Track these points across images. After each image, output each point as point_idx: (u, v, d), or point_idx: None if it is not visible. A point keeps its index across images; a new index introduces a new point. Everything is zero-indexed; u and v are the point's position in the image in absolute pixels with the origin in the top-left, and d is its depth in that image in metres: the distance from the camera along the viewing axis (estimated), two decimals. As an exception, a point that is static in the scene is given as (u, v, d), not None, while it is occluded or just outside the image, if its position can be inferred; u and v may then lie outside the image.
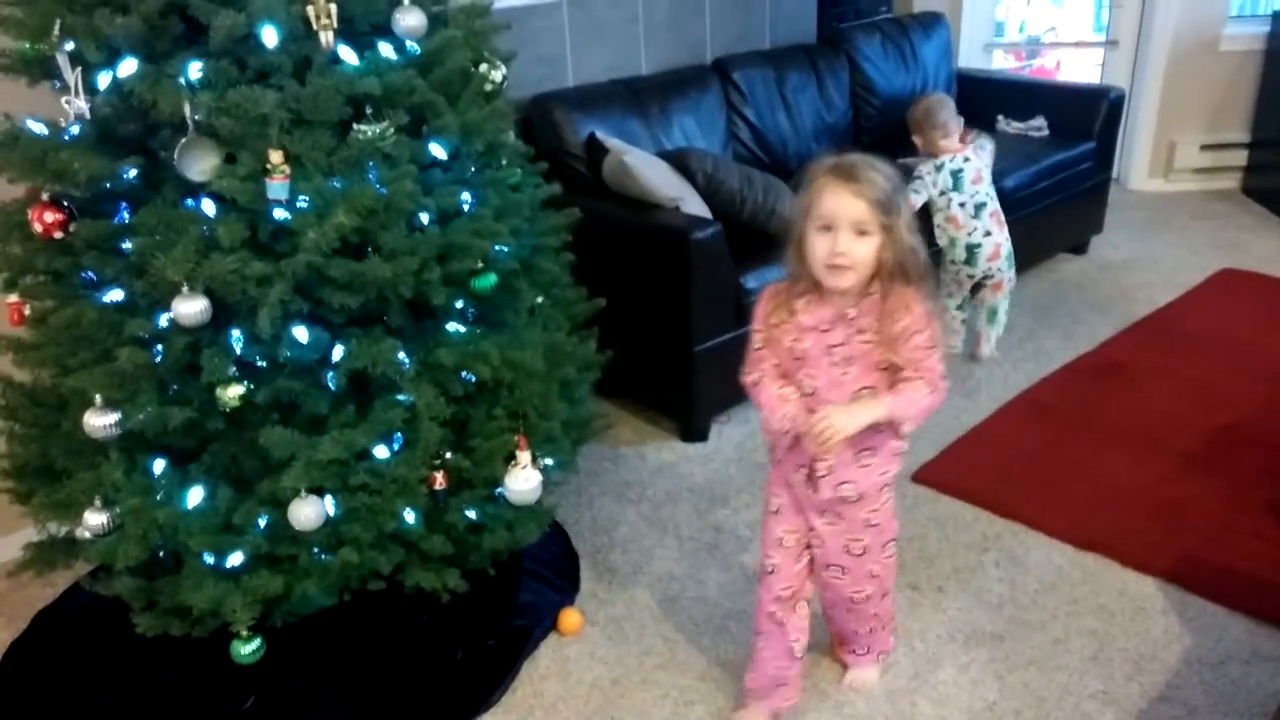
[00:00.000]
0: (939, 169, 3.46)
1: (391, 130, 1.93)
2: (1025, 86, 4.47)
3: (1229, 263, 4.32)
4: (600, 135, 3.32)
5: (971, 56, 5.12)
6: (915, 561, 2.60)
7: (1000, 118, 4.36)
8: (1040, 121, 4.23)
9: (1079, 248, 4.44)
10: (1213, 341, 3.63)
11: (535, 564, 2.55)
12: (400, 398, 2.00)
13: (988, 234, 3.51)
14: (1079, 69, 5.61)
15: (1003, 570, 2.56)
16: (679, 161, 3.25)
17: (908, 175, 3.59)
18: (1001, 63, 5.53)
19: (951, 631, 2.37)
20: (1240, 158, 5.08)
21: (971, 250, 3.51)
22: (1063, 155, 4.06)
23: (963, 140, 3.53)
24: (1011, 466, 2.96)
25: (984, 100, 4.49)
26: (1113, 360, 3.55)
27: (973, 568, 2.57)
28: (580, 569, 2.60)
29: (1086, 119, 4.22)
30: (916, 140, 3.55)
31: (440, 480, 2.05)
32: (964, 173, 3.47)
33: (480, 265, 2.04)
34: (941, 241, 3.52)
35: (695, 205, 3.15)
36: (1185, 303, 3.97)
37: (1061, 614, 2.40)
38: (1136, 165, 5.17)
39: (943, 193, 3.47)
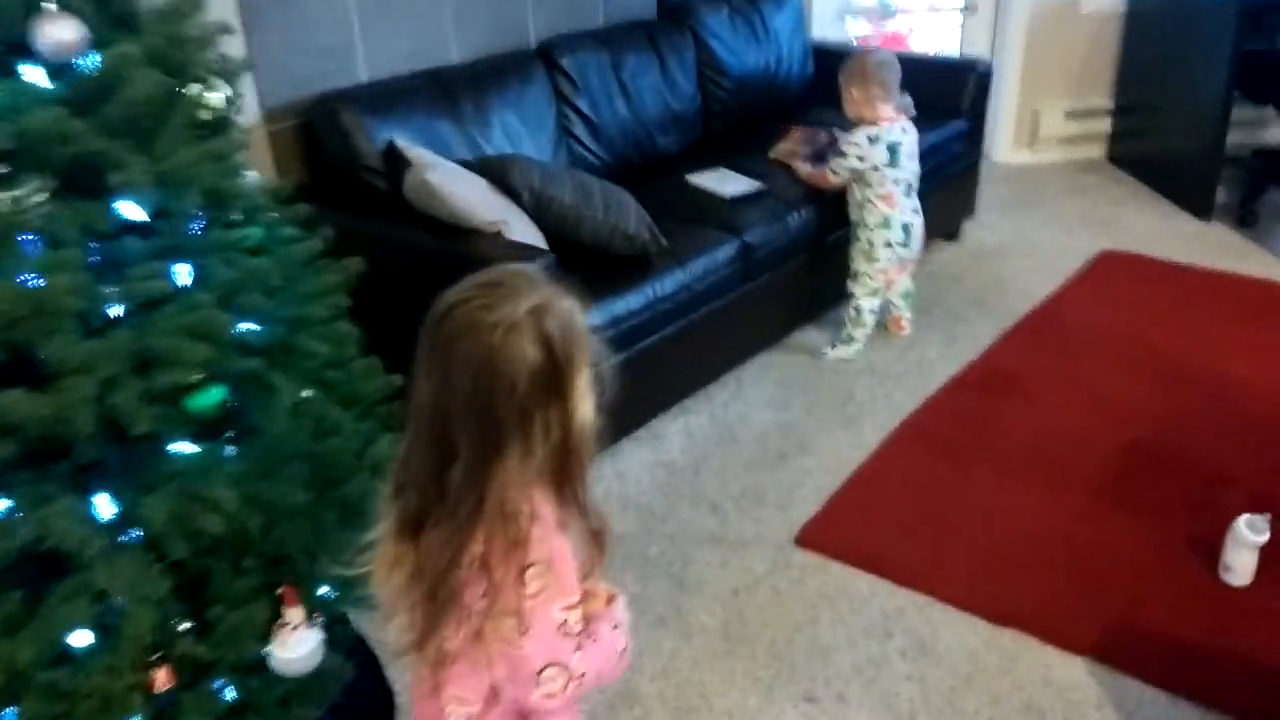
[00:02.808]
0: (874, 140, 3.04)
1: (42, 196, 1.32)
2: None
3: (1105, 242, 4.04)
4: (401, 143, 2.73)
5: (825, 26, 4.69)
6: (809, 659, 2.16)
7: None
8: (906, 100, 3.81)
9: (951, 234, 4.09)
10: (1102, 339, 3.32)
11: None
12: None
13: (915, 212, 3.18)
14: (934, 36, 5.26)
15: (911, 662, 2.14)
16: (499, 175, 2.69)
17: (831, 148, 3.21)
18: (855, 29, 5.13)
19: (859, 761, 1.93)
20: (1105, 125, 4.83)
21: (908, 230, 3.15)
22: (934, 138, 3.67)
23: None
24: (908, 518, 2.55)
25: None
26: (1000, 369, 3.19)
27: (876, 662, 2.14)
28: (395, 709, 2.05)
29: (954, 95, 3.84)
30: (853, 95, 3.10)
31: (164, 679, 1.47)
32: (901, 146, 3.07)
33: (200, 377, 1.45)
34: (872, 221, 3.13)
35: (522, 228, 2.60)
36: (1068, 294, 3.65)
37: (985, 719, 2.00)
38: (1001, 136, 4.86)
39: (875, 168, 3.05)
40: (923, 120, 3.76)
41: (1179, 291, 3.62)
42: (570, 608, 1.11)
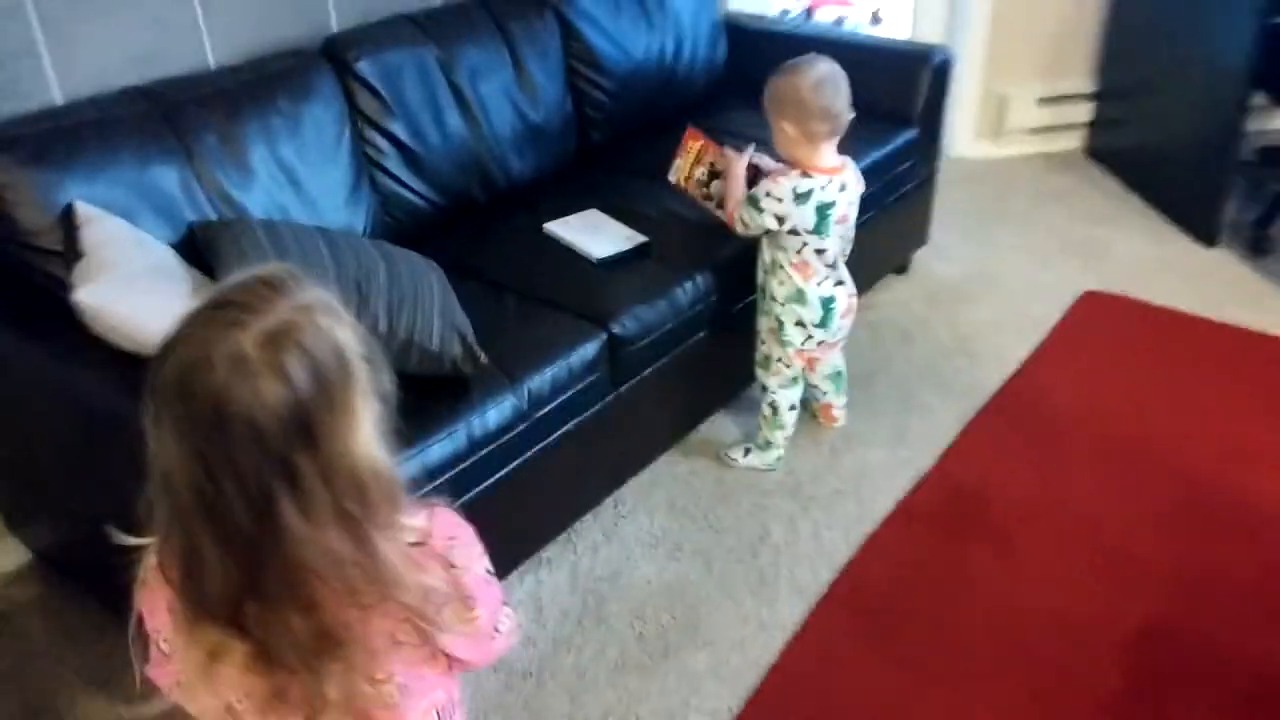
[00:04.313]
0: (802, 198, 2.14)
1: None
2: (821, 46, 3.14)
3: (1087, 272, 3.23)
4: (83, 211, 1.80)
5: (744, -8, 3.76)
6: None
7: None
8: (842, 101, 2.94)
9: (900, 268, 3.25)
10: (1091, 436, 2.51)
11: None
12: None
13: (840, 283, 2.32)
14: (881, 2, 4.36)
15: None
16: (218, 262, 1.77)
17: (754, 178, 2.28)
18: (785, 3, 4.19)
19: None
20: (1083, 112, 3.99)
21: (828, 307, 2.28)
22: (877, 154, 2.81)
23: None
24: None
25: (762, 65, 3.15)
26: (963, 487, 2.38)
27: None
28: None
29: (904, 94, 2.96)
30: (785, 130, 2.16)
31: None
32: (835, 207, 2.18)
33: None
34: (781, 294, 2.27)
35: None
36: (1045, 360, 2.83)
37: None
38: (960, 126, 3.99)
39: (795, 231, 2.17)
40: (862, 126, 2.91)
41: (1184, 357, 2.82)
42: (482, 555, 1.03)
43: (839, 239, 2.26)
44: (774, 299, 2.28)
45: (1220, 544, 2.17)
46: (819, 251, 2.22)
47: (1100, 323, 3.00)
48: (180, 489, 0.82)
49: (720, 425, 2.60)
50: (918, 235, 3.22)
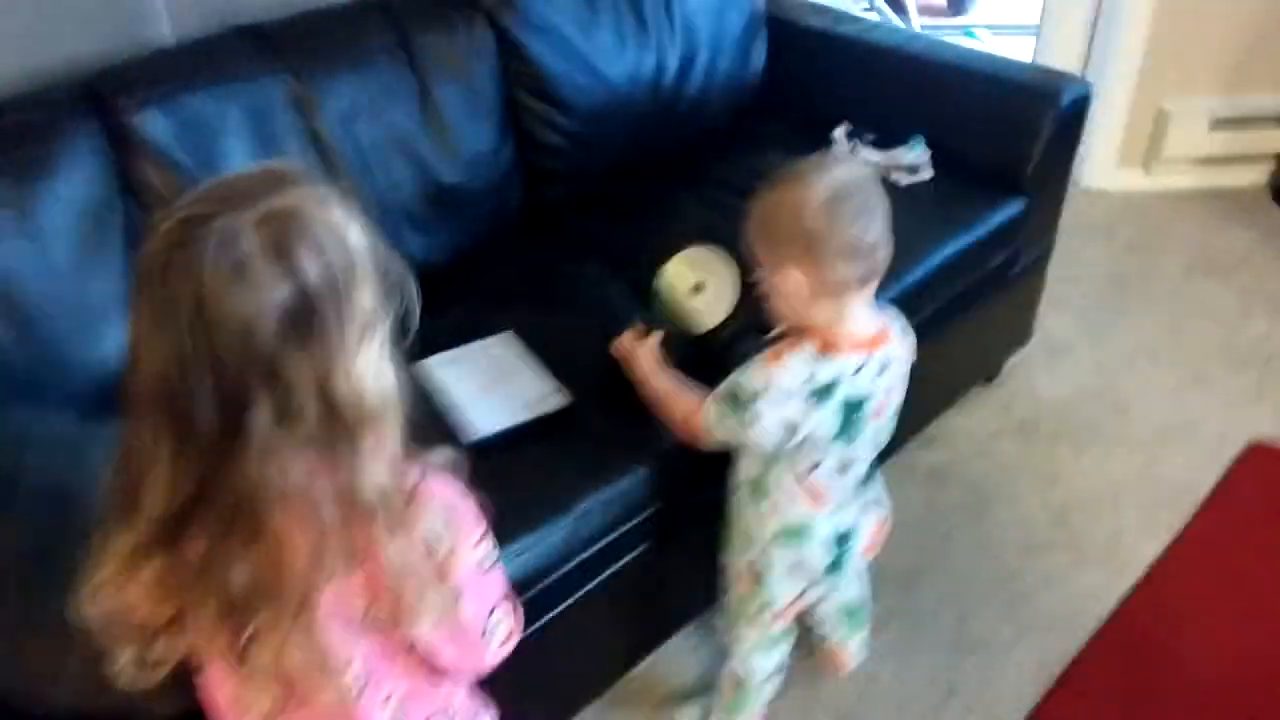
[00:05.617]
0: (823, 393, 1.26)
1: None
2: (898, 65, 2.17)
3: (1258, 403, 2.28)
4: None
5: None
6: None
7: (840, 133, 2.11)
8: (918, 153, 2.01)
9: (989, 375, 2.34)
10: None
11: None
12: None
13: (875, 504, 1.47)
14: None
15: None
16: None
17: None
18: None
19: None
20: (1274, 141, 2.93)
21: (843, 543, 1.42)
22: (965, 239, 1.90)
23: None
24: None
25: (815, 91, 2.24)
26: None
27: None
28: None
29: (1014, 146, 2.00)
30: (791, 277, 1.23)
31: None
32: (870, 400, 1.31)
33: None
34: (769, 529, 1.41)
35: None
36: (1184, 570, 1.90)
37: None
38: (1098, 147, 2.98)
39: (810, 442, 1.32)
40: (944, 193, 2.02)
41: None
42: (480, 540, 0.91)
43: (873, 439, 1.39)
44: (757, 535, 1.43)
45: None
46: (843, 467, 1.36)
47: (1273, 503, 2.06)
48: (145, 377, 0.74)
49: (674, 656, 1.78)
50: (1017, 334, 2.29)
